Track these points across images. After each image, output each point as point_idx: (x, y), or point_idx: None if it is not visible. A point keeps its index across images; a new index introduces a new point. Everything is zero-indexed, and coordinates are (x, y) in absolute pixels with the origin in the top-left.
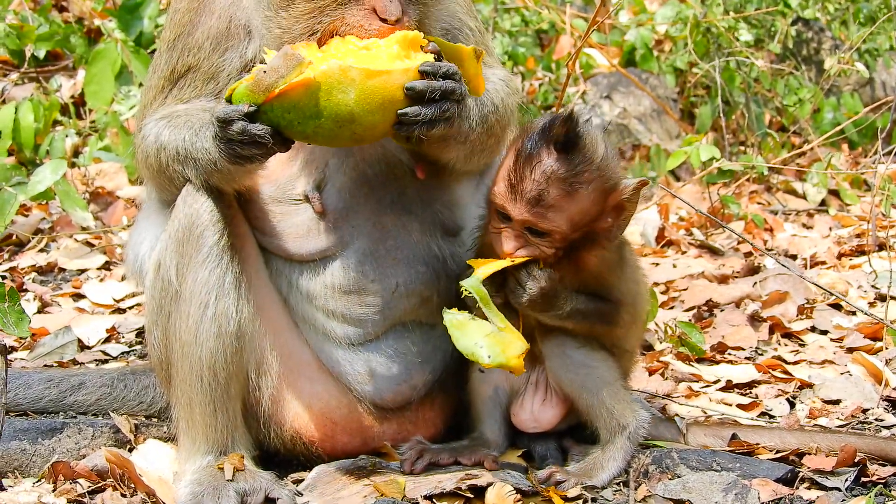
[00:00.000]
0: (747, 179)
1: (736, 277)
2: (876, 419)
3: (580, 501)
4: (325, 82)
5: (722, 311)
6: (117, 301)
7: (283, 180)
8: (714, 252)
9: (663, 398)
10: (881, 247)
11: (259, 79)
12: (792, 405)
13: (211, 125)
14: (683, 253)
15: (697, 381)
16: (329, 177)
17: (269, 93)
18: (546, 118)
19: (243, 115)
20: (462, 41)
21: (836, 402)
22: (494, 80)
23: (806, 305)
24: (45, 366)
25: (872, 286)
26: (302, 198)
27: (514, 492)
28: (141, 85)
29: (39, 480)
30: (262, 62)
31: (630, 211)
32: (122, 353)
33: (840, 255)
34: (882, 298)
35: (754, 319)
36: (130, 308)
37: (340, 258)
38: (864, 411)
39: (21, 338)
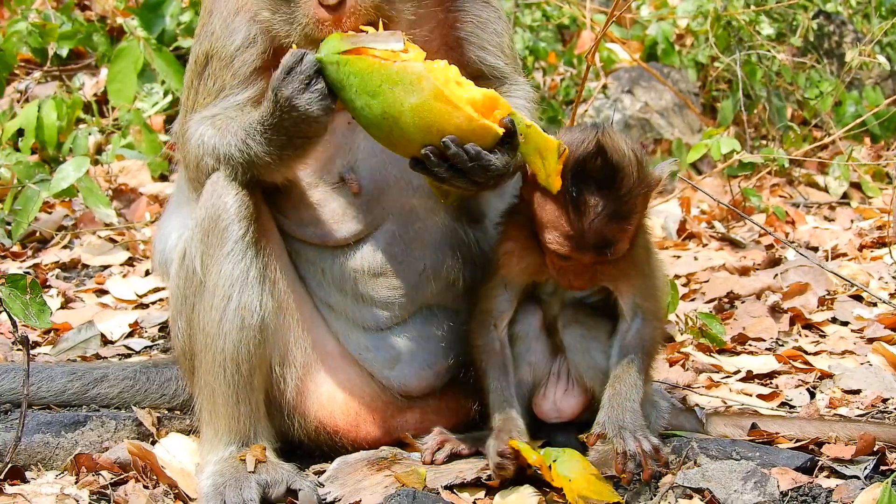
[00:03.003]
0: (769, 172)
1: (757, 269)
2: None
3: None
4: (400, 73)
5: (743, 302)
6: (140, 296)
7: (319, 164)
8: (735, 244)
9: (684, 389)
10: None
11: (356, 34)
12: (812, 395)
13: (270, 92)
14: (705, 245)
15: (718, 372)
16: (361, 158)
17: (355, 48)
18: (574, 155)
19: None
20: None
21: (857, 391)
22: (520, 104)
23: (827, 297)
24: (68, 360)
25: (893, 277)
26: (338, 180)
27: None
28: (163, 82)
29: (62, 473)
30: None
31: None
32: (145, 348)
33: (861, 247)
34: None
35: (775, 311)
36: (153, 303)
37: (371, 241)
38: (885, 401)
39: (44, 332)
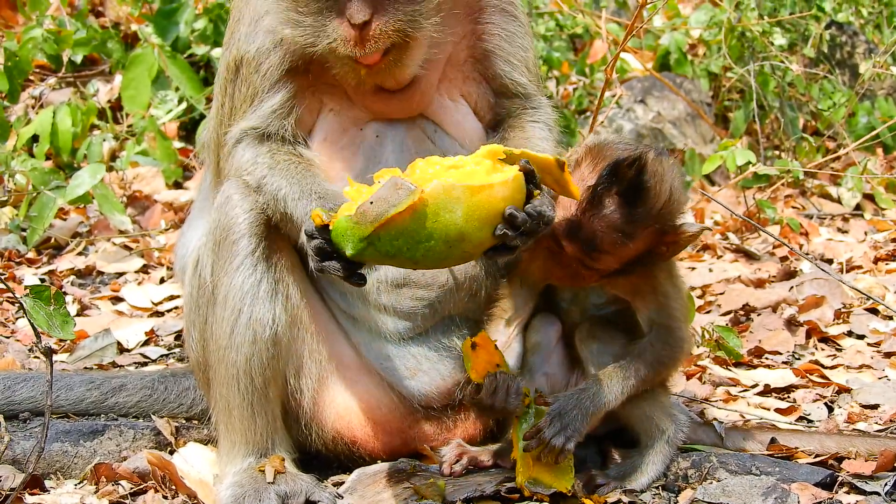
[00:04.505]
0: (782, 184)
1: (772, 282)
2: None
3: None
4: (432, 204)
5: (759, 315)
6: (155, 304)
7: (352, 179)
8: (750, 256)
9: (701, 402)
10: None
11: (365, 210)
12: (830, 410)
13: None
14: (719, 257)
15: (735, 386)
16: None
17: (376, 223)
18: (615, 155)
19: (343, 260)
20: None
21: (875, 406)
22: (542, 131)
23: (842, 310)
24: (85, 368)
25: None
26: None
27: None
28: (178, 89)
29: (81, 482)
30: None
31: (685, 245)
32: (161, 356)
33: (876, 260)
34: None
35: (791, 324)
36: (168, 311)
37: None
38: None
39: (62, 340)
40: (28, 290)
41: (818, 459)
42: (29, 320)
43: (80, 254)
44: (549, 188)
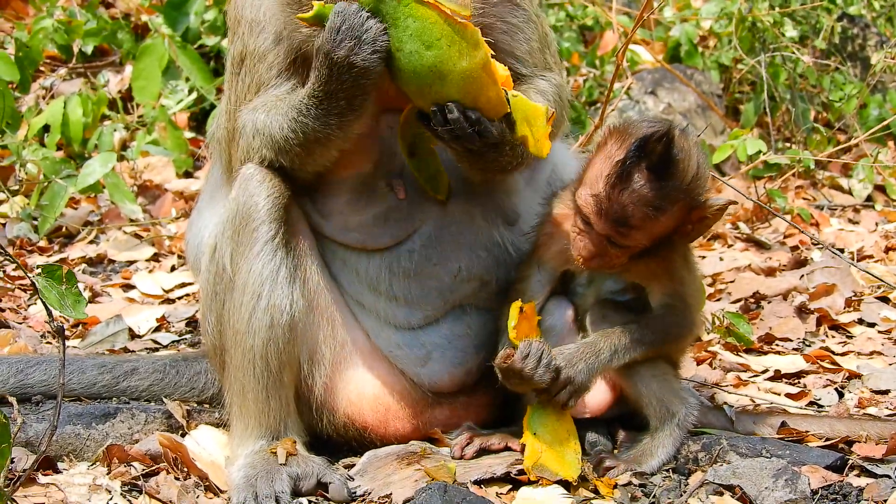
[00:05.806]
0: (793, 174)
1: (783, 270)
2: None
3: (629, 488)
4: (461, 34)
5: (769, 303)
6: (166, 291)
7: (365, 171)
8: (760, 245)
9: (712, 387)
10: None
11: None
12: (840, 395)
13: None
14: (730, 246)
15: (745, 371)
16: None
17: None
18: (642, 131)
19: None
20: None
21: (885, 391)
22: (546, 87)
23: (853, 298)
24: (97, 353)
25: None
26: (383, 186)
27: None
28: (188, 79)
29: (94, 464)
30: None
31: (711, 224)
32: (173, 342)
33: (887, 249)
34: None
35: (802, 311)
36: (179, 298)
37: (408, 243)
38: None
39: (73, 325)
40: (40, 270)
41: (829, 443)
42: (41, 300)
43: (91, 242)
44: (521, 137)
